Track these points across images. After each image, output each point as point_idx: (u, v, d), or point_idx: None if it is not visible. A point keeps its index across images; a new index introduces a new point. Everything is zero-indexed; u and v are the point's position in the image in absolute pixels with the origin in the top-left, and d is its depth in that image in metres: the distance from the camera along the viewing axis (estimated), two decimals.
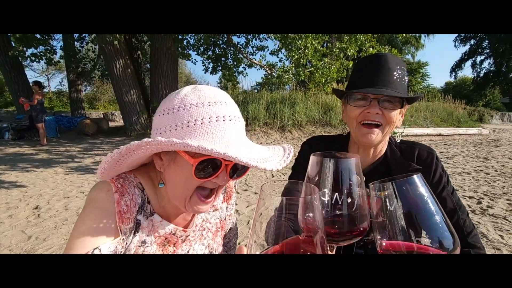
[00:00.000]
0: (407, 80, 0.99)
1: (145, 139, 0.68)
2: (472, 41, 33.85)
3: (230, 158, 0.65)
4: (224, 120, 0.73)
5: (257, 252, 0.48)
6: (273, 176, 5.79)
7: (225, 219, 1.06)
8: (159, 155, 0.79)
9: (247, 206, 4.11)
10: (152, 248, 0.83)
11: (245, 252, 0.52)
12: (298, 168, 1.15)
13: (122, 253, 0.75)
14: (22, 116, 11.09)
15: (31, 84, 10.59)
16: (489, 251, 2.85)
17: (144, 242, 0.81)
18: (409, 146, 1.05)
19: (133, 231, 0.79)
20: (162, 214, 0.86)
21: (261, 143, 10.18)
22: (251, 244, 0.49)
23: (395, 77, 0.95)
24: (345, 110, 1.05)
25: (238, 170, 0.79)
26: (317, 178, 0.56)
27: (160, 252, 0.85)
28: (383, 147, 1.06)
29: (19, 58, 10.47)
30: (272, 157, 0.77)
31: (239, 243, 1.04)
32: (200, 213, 0.85)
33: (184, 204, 0.79)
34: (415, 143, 1.07)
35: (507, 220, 3.59)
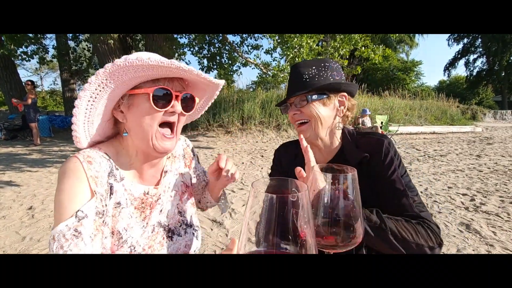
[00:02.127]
0: (329, 74, 1.06)
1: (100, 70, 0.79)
2: (465, 40, 34.22)
3: (175, 63, 0.78)
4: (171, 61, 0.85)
5: (251, 250, 0.49)
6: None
7: (191, 184, 1.15)
8: (119, 109, 0.90)
9: (243, 205, 4.12)
10: (130, 210, 0.90)
11: (236, 246, 0.53)
12: (275, 174, 1.27)
13: (104, 212, 0.81)
14: (15, 115, 10.95)
15: (23, 83, 10.45)
16: (482, 247, 2.89)
17: (119, 204, 0.87)
18: (363, 136, 1.12)
19: (108, 193, 0.85)
20: (131, 178, 0.94)
21: (256, 142, 10.20)
22: (244, 243, 0.49)
23: (304, 78, 1.06)
24: None
25: (187, 101, 0.93)
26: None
27: (138, 215, 0.92)
28: (333, 141, 1.12)
29: (10, 56, 10.32)
30: (208, 76, 0.91)
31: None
32: (167, 152, 0.92)
33: (151, 144, 0.88)
34: (370, 133, 1.13)
35: (499, 216, 3.64)
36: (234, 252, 0.54)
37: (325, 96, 1.04)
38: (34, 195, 4.59)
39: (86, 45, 15.01)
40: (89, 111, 0.85)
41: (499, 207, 3.97)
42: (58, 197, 0.76)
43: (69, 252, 0.68)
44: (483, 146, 9.99)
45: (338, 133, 1.13)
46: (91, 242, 0.73)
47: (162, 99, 0.85)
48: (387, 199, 0.98)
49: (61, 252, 0.68)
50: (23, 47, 9.28)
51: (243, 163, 7.02)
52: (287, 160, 1.21)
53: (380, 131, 10.18)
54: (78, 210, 0.74)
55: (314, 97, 1.03)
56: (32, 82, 9.48)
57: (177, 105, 0.88)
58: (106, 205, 0.83)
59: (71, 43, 14.09)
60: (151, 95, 0.83)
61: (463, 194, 4.57)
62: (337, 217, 0.55)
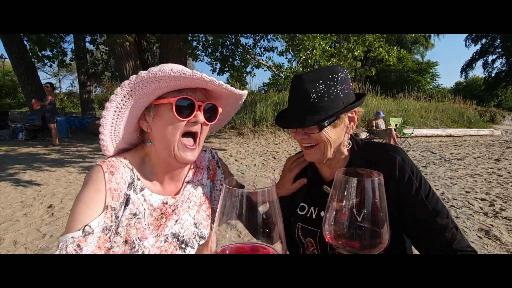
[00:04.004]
0: (339, 90, 0.94)
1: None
2: (484, 40, 33.18)
3: (197, 74, 0.80)
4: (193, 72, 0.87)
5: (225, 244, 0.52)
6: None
7: (210, 196, 1.15)
8: (144, 119, 0.93)
9: None
10: (148, 220, 0.92)
11: (212, 239, 0.55)
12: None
13: (113, 226, 0.83)
14: (35, 116, 11.34)
15: (43, 86, 10.81)
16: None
17: (135, 214, 0.89)
18: (373, 149, 1.02)
19: (123, 205, 0.87)
20: (151, 188, 0.96)
21: (268, 143, 10.19)
22: (215, 244, 0.53)
23: (312, 99, 0.92)
24: None
25: (210, 111, 0.94)
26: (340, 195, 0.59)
27: (154, 225, 0.93)
28: (340, 158, 1.04)
29: (34, 60, 10.70)
30: (231, 87, 0.92)
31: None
32: (189, 163, 0.94)
33: (173, 154, 0.90)
34: (381, 146, 1.02)
35: None
36: (210, 244, 0.56)
37: (336, 119, 0.95)
38: (54, 193, 4.75)
39: (103, 48, 15.40)
40: (115, 121, 0.89)
41: None
42: (76, 203, 0.81)
43: None
44: (503, 150, 9.66)
45: (345, 148, 1.05)
46: None
47: (185, 109, 0.87)
48: (412, 226, 0.90)
49: None
50: (47, 50, 9.62)
51: (255, 164, 7.04)
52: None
53: (394, 133, 9.99)
54: (86, 225, 0.77)
55: (326, 123, 0.93)
56: (51, 84, 9.80)
57: (199, 115, 0.89)
58: (117, 217, 0.85)
59: (90, 46, 14.49)
60: (174, 104, 0.86)
61: (482, 199, 4.44)
62: (363, 222, 0.55)
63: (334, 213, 0.57)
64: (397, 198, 0.90)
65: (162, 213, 0.95)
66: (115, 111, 0.87)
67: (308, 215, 1.08)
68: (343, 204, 0.56)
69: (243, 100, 1.06)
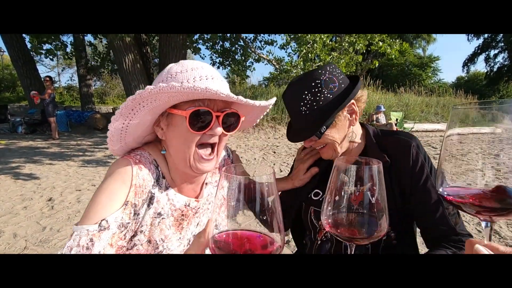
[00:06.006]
0: (325, 93, 0.95)
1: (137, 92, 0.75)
2: (486, 35, 32.97)
3: (211, 91, 0.70)
4: (206, 79, 0.81)
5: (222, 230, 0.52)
6: (281, 171, 5.80)
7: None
8: (159, 125, 0.86)
9: None
10: (170, 220, 0.89)
11: (210, 226, 0.55)
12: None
13: (130, 224, 0.80)
14: (35, 110, 11.31)
15: (42, 79, 10.78)
16: None
17: (159, 214, 0.86)
18: (389, 136, 1.05)
19: (146, 203, 0.84)
20: (175, 188, 0.92)
21: (269, 138, 10.18)
22: (215, 223, 0.54)
23: (303, 112, 0.97)
24: None
25: (231, 122, 0.85)
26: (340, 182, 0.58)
27: (176, 226, 0.91)
28: (353, 145, 1.06)
29: (34, 53, 10.64)
30: (254, 100, 0.84)
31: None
32: (206, 172, 0.89)
33: (189, 164, 0.84)
34: (396, 132, 1.06)
35: None
36: (207, 231, 0.56)
37: (332, 120, 0.96)
38: (53, 187, 4.75)
39: (102, 42, 15.31)
40: (125, 131, 0.83)
41: None
42: (98, 194, 0.77)
43: None
44: (503, 146, 9.65)
45: (358, 135, 1.07)
46: None
47: (201, 120, 0.79)
48: (421, 211, 0.94)
49: (68, 251, 0.70)
50: (47, 44, 9.56)
51: (255, 159, 7.04)
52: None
53: (394, 128, 9.98)
54: (103, 220, 0.74)
55: (323, 129, 0.94)
56: (50, 78, 9.76)
57: (216, 127, 0.81)
58: (137, 215, 0.81)
59: (93, 40, 14.41)
60: (187, 118, 0.78)
61: None
62: (361, 210, 0.54)
63: (333, 202, 0.56)
64: (409, 183, 0.94)
65: (183, 215, 0.92)
66: (124, 122, 0.81)
67: (321, 200, 1.11)
68: (342, 192, 0.55)
69: (270, 107, 0.97)
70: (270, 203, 0.52)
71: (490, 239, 0.48)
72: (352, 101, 0.99)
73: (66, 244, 0.73)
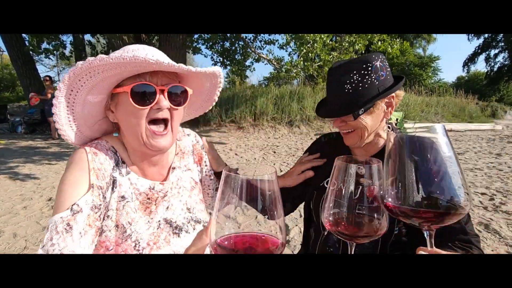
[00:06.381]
0: (373, 78, 0.97)
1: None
2: (486, 35, 32.95)
3: (139, 58, 0.71)
4: (138, 49, 0.80)
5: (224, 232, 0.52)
6: (281, 171, 5.79)
7: (201, 180, 1.12)
8: (109, 108, 0.88)
9: None
10: (135, 204, 0.89)
11: (212, 224, 0.54)
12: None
13: (102, 205, 0.82)
14: (34, 110, 11.31)
15: (42, 79, 10.77)
16: (501, 248, 2.80)
17: (123, 197, 0.87)
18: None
19: (110, 187, 0.85)
20: (137, 173, 0.93)
21: (269, 138, 10.18)
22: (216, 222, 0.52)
23: (347, 89, 0.98)
24: None
25: (178, 95, 0.85)
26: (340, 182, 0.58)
27: (143, 210, 0.91)
28: (378, 140, 1.09)
29: (33, 52, 10.64)
30: (188, 66, 0.83)
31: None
32: (162, 149, 0.89)
33: (142, 141, 0.85)
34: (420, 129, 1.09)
35: None
36: (210, 230, 0.55)
37: (371, 106, 0.98)
38: (53, 187, 4.75)
39: (100, 42, 15.29)
40: (72, 113, 0.84)
41: None
42: (61, 186, 0.80)
43: (56, 246, 0.70)
44: (504, 145, 9.64)
45: (384, 133, 1.09)
46: (79, 239, 0.74)
47: (145, 95, 0.80)
48: None
49: (49, 244, 0.71)
50: (45, 43, 9.56)
51: (255, 158, 7.04)
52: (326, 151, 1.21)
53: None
54: (74, 204, 0.75)
55: (361, 111, 0.96)
56: (50, 77, 9.77)
57: (162, 101, 0.81)
58: (105, 197, 0.83)
59: (92, 40, 14.40)
60: (129, 93, 0.79)
61: (482, 193, 4.44)
62: (361, 209, 0.55)
63: (333, 200, 0.56)
64: (426, 177, 0.97)
65: (148, 198, 0.93)
66: (67, 106, 0.82)
67: None
68: (342, 191, 0.55)
69: (221, 79, 0.98)
70: (271, 202, 0.51)
71: (432, 246, 0.53)
72: (393, 94, 1.02)
73: (45, 237, 0.73)
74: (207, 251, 0.68)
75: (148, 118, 0.83)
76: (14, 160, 6.56)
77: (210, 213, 1.09)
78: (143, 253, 0.86)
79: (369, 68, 0.97)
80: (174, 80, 0.86)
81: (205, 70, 0.88)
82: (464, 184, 0.52)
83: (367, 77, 0.97)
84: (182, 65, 0.79)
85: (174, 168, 1.02)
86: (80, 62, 0.74)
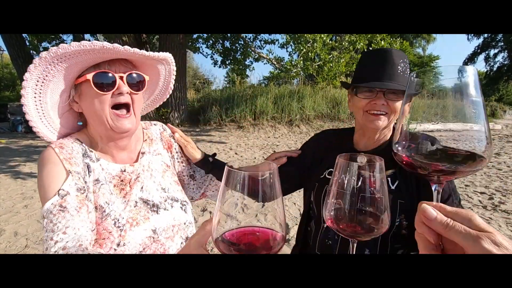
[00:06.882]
0: (409, 72, 1.04)
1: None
2: (486, 34, 32.91)
3: (97, 44, 0.79)
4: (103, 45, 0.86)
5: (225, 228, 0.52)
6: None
7: (173, 165, 1.18)
8: (74, 100, 0.94)
9: (255, 202, 4.14)
10: (109, 187, 0.94)
11: (212, 222, 0.54)
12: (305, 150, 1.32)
13: (85, 187, 0.87)
14: None
15: None
16: None
17: (98, 180, 0.93)
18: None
19: (86, 172, 0.91)
20: (107, 159, 0.99)
21: (268, 137, 10.18)
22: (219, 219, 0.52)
23: (399, 71, 1.02)
24: (351, 100, 1.15)
25: (135, 80, 0.93)
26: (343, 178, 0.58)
27: (118, 192, 0.96)
28: (387, 133, 1.12)
29: (33, 52, 10.64)
30: (141, 50, 0.89)
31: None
32: (127, 131, 0.94)
33: (108, 125, 0.90)
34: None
35: None
36: (208, 227, 0.56)
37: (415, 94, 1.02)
38: None
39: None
40: (40, 106, 0.89)
41: None
42: (40, 183, 0.84)
43: (58, 225, 0.76)
44: (503, 144, 9.66)
45: (391, 129, 1.12)
46: (77, 214, 0.80)
47: (106, 83, 0.87)
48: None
49: (50, 225, 0.76)
50: (46, 42, 9.56)
51: (255, 158, 7.04)
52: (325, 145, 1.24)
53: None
54: (60, 189, 0.81)
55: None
56: None
57: (123, 86, 0.89)
58: (86, 182, 0.89)
59: (91, 39, 14.39)
60: (91, 81, 0.86)
61: (481, 193, 4.45)
62: (362, 206, 0.55)
63: (335, 197, 0.57)
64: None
65: (122, 180, 0.98)
66: (35, 97, 0.87)
67: None
68: (344, 188, 0.56)
69: (174, 64, 1.07)
70: (272, 197, 0.53)
71: (437, 201, 0.50)
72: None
73: (43, 225, 0.77)
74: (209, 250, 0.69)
75: (111, 103, 0.89)
76: (14, 159, 6.57)
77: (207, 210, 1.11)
78: (124, 229, 0.90)
79: (406, 62, 1.04)
80: (130, 69, 0.94)
81: (157, 54, 0.96)
82: (486, 132, 0.48)
83: (406, 68, 1.04)
84: (136, 49, 0.86)
85: (143, 153, 1.08)
86: (44, 52, 0.80)
